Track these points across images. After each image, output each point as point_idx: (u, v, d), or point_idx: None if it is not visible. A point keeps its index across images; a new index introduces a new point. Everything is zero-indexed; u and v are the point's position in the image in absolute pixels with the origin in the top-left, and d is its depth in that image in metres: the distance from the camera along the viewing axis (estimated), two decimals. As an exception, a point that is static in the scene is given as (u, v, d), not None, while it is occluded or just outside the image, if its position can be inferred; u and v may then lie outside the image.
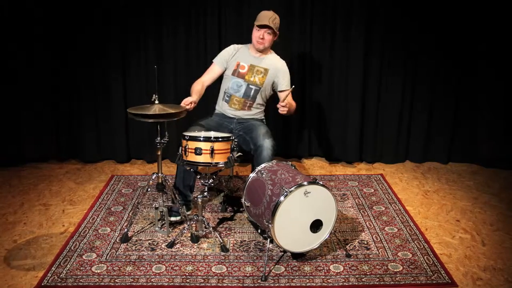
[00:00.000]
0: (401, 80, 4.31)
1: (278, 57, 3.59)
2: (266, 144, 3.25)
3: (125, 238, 3.12)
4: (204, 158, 2.92)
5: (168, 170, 4.33)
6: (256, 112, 3.58)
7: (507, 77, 4.19)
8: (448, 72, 4.25)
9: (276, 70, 3.53)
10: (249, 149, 3.39)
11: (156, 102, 3.00)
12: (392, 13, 4.13)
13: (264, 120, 3.65)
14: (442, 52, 4.20)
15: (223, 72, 3.56)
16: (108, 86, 4.28)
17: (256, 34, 3.41)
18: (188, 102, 3.23)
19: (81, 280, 2.73)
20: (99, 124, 4.39)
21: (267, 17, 3.37)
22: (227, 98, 3.53)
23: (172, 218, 3.31)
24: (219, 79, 3.61)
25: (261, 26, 3.37)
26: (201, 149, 2.90)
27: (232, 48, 3.57)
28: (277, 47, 4.03)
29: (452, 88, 4.29)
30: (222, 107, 3.58)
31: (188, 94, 4.30)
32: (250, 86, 3.48)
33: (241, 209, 3.53)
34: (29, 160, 4.40)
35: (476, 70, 4.23)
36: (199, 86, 3.44)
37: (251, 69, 3.47)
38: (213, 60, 3.59)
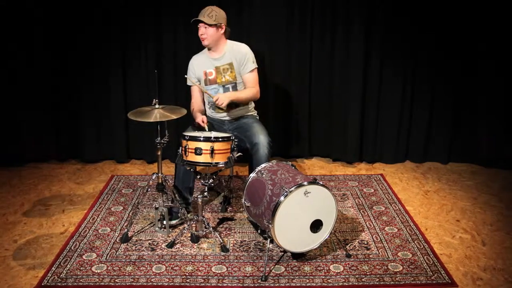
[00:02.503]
0: (401, 80, 4.31)
1: (235, 43, 3.50)
2: (262, 141, 3.23)
3: (125, 238, 3.12)
4: (204, 158, 2.92)
5: (168, 170, 4.33)
6: (244, 107, 3.53)
7: (507, 77, 4.18)
8: (448, 72, 4.25)
9: (238, 58, 3.42)
10: (246, 148, 3.37)
11: (157, 106, 3.00)
12: (392, 13, 4.12)
13: (258, 116, 3.63)
14: (442, 52, 4.20)
15: None
16: (108, 86, 4.28)
17: (198, 33, 3.37)
18: (202, 122, 3.29)
19: (81, 280, 2.73)
20: (99, 124, 4.39)
21: (202, 12, 3.33)
22: (213, 105, 3.51)
23: (172, 222, 3.29)
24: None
25: (195, 22, 3.34)
26: (201, 149, 2.90)
27: (191, 63, 3.53)
28: (277, 47, 4.05)
29: (452, 88, 4.29)
30: (211, 114, 3.57)
31: (187, 94, 4.33)
32: (226, 86, 3.45)
33: (241, 209, 3.53)
34: (29, 160, 4.40)
35: (476, 70, 4.22)
36: (197, 107, 3.50)
37: (217, 71, 3.43)
38: (188, 84, 3.57)
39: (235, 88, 3.47)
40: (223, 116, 3.52)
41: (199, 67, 3.48)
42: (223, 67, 3.43)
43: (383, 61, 4.26)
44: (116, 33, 4.15)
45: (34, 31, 4.10)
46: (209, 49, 3.45)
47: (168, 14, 4.13)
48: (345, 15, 4.15)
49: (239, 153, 3.12)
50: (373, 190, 3.92)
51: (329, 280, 2.74)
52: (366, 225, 3.35)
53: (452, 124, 4.38)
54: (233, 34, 4.18)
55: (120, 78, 4.27)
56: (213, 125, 3.51)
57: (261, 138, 3.25)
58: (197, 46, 4.18)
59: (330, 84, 4.36)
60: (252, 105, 3.61)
